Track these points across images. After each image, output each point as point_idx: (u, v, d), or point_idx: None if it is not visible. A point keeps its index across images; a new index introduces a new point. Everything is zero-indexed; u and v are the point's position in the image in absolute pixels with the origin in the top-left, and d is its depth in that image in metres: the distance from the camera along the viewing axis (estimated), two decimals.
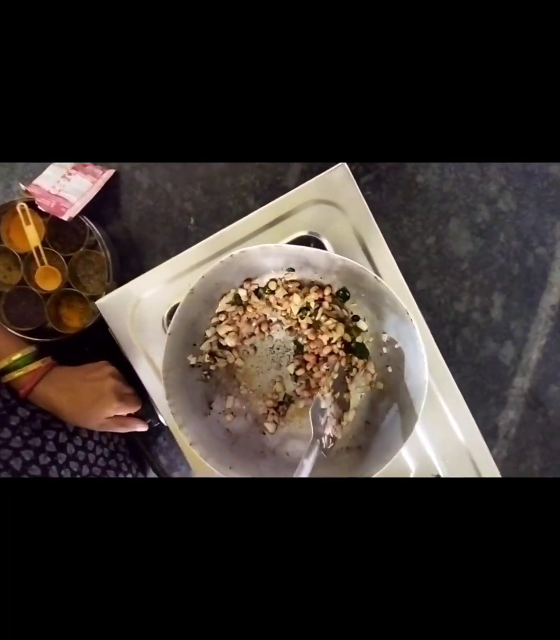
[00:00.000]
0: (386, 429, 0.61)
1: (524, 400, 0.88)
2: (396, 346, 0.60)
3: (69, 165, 0.79)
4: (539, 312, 0.86)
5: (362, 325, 0.63)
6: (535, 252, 0.85)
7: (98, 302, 0.64)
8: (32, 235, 0.75)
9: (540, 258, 0.85)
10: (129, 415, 0.66)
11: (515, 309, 0.86)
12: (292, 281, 0.62)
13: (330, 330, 0.63)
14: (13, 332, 0.75)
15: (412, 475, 0.67)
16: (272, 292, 0.62)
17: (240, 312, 0.63)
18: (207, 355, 0.63)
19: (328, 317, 0.63)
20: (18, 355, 0.61)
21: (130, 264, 0.84)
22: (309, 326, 0.64)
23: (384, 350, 0.63)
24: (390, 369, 0.62)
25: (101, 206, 0.81)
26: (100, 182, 0.79)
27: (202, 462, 0.58)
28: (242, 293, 0.62)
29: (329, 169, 0.63)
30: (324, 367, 0.64)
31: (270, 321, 0.65)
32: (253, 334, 0.65)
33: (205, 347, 0.63)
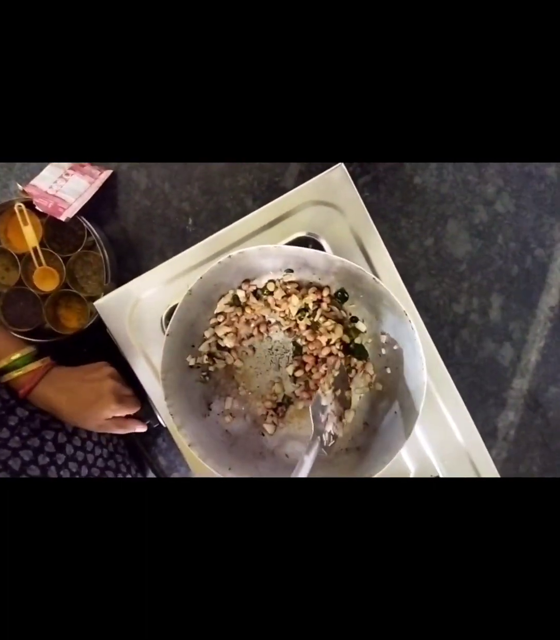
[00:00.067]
0: (385, 430, 0.61)
1: (523, 401, 0.88)
2: (395, 347, 0.60)
3: (66, 165, 0.79)
4: (537, 313, 0.86)
5: (360, 326, 0.63)
6: (533, 253, 0.85)
7: (96, 303, 0.64)
8: (29, 236, 0.75)
9: (538, 259, 0.85)
10: (128, 416, 0.66)
11: (513, 310, 0.86)
12: (290, 282, 0.62)
13: (328, 332, 0.63)
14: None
15: (411, 476, 0.67)
16: (271, 293, 0.62)
17: (239, 313, 0.63)
18: (205, 356, 0.63)
19: (327, 318, 0.63)
20: (17, 355, 0.61)
21: (127, 264, 0.84)
22: (308, 327, 0.64)
23: (383, 351, 0.63)
24: (389, 370, 0.62)
25: (99, 207, 0.81)
26: (98, 183, 0.79)
27: (201, 463, 0.58)
28: (241, 294, 0.62)
29: (327, 170, 0.63)
30: (322, 368, 0.64)
31: (269, 322, 0.65)
32: (252, 335, 0.65)
33: (203, 348, 0.63)
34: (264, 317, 0.65)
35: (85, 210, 0.76)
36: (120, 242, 0.84)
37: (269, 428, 0.65)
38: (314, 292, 0.62)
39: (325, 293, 0.62)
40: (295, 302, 0.62)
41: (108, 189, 0.82)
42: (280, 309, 0.63)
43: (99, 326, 0.66)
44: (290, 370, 0.66)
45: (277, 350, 0.66)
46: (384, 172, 0.84)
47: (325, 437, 0.57)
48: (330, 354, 0.64)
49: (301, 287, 0.63)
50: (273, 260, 0.59)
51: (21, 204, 0.74)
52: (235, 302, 0.63)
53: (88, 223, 0.75)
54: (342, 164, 0.63)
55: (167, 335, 0.56)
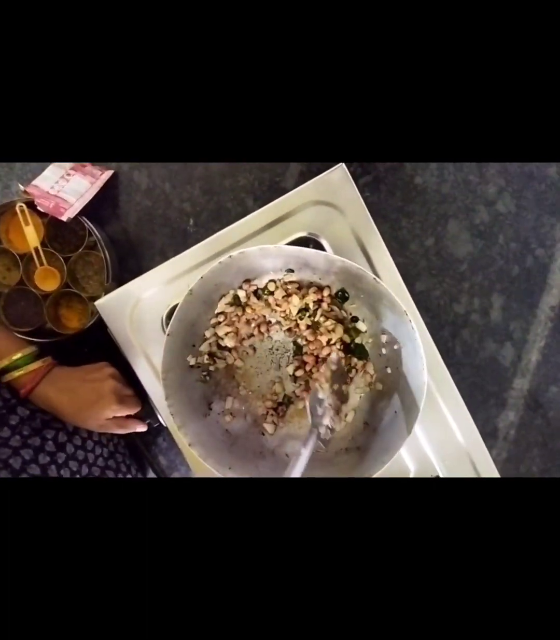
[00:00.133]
0: (385, 430, 0.61)
1: (524, 401, 0.88)
2: (395, 347, 0.60)
3: (67, 165, 0.79)
4: (538, 313, 0.86)
5: (361, 326, 0.63)
6: (534, 253, 0.85)
7: (97, 303, 0.64)
8: (31, 236, 0.75)
9: (539, 260, 0.85)
10: (129, 416, 0.66)
11: (514, 310, 0.86)
12: (291, 282, 0.62)
13: (329, 331, 0.63)
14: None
15: (411, 476, 0.67)
16: (271, 293, 0.62)
17: (240, 313, 0.63)
18: (206, 356, 0.63)
19: (327, 318, 0.63)
20: (19, 355, 0.61)
21: (128, 264, 0.84)
22: (308, 327, 0.64)
23: (383, 351, 0.63)
24: (389, 370, 0.62)
25: (100, 207, 0.81)
26: (99, 183, 0.79)
27: (201, 462, 0.58)
28: (241, 294, 0.62)
29: (328, 171, 0.63)
30: (323, 368, 0.64)
31: (270, 322, 0.65)
32: (252, 335, 0.65)
33: (204, 347, 0.63)
34: (264, 317, 0.65)
35: (86, 211, 0.76)
36: (121, 242, 0.84)
37: (269, 428, 0.65)
38: (314, 292, 0.62)
39: (325, 293, 0.62)
40: (295, 302, 0.62)
41: (109, 189, 0.82)
42: (280, 309, 0.63)
43: (100, 326, 0.66)
44: (290, 370, 0.66)
45: (277, 350, 0.66)
46: (384, 172, 0.84)
47: (322, 430, 0.57)
48: (331, 353, 0.64)
49: (302, 287, 0.63)
50: (274, 260, 0.59)
51: (23, 204, 0.74)
52: (235, 302, 0.63)
53: (89, 223, 0.76)
54: (343, 164, 0.63)
55: (168, 335, 0.56)
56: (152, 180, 0.83)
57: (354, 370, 0.65)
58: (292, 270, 0.61)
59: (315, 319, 0.63)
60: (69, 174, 0.78)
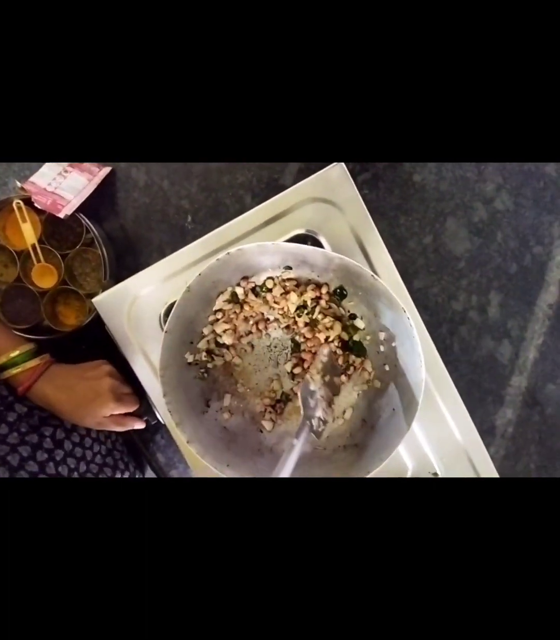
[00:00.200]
0: (383, 427, 0.61)
1: (521, 398, 0.88)
2: (393, 344, 0.60)
3: (65, 162, 0.79)
4: (536, 311, 0.86)
5: (359, 323, 0.63)
6: (532, 251, 0.85)
7: (95, 300, 0.64)
8: (28, 233, 0.75)
9: (537, 257, 0.85)
10: (127, 413, 0.66)
11: (512, 307, 0.86)
12: (289, 279, 0.62)
13: (327, 329, 0.63)
14: None
15: (409, 474, 0.67)
16: (269, 290, 0.62)
17: (238, 310, 0.63)
18: (204, 353, 0.63)
19: (325, 316, 0.63)
20: (16, 352, 0.61)
21: (126, 261, 0.84)
22: (306, 324, 0.64)
23: (381, 348, 0.63)
24: (387, 367, 0.62)
25: (97, 204, 0.81)
26: (97, 180, 0.79)
27: (199, 459, 0.58)
28: (239, 291, 0.62)
29: (326, 168, 0.63)
30: (314, 360, 0.64)
31: (268, 319, 0.65)
32: (250, 332, 0.65)
33: (202, 345, 0.63)
34: (262, 314, 0.65)
35: (84, 208, 0.75)
36: (119, 240, 0.84)
37: (267, 425, 0.65)
38: (312, 290, 0.62)
39: (324, 290, 0.62)
40: (293, 299, 0.62)
41: (107, 186, 0.82)
42: (278, 306, 0.63)
43: (98, 323, 0.66)
44: (288, 367, 0.66)
45: (275, 347, 0.66)
46: (383, 169, 0.84)
47: (314, 422, 0.57)
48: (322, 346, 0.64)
49: (300, 284, 0.63)
50: (271, 257, 0.59)
51: (20, 201, 0.74)
52: (233, 299, 0.63)
53: (87, 220, 0.75)
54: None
55: (166, 332, 0.56)
56: (150, 177, 0.83)
57: (352, 368, 0.65)
58: (290, 268, 0.61)
59: (314, 317, 0.63)
60: (66, 171, 0.78)
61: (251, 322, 0.64)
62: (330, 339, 0.63)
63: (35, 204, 0.73)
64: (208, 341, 0.63)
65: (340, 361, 0.64)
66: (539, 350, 0.87)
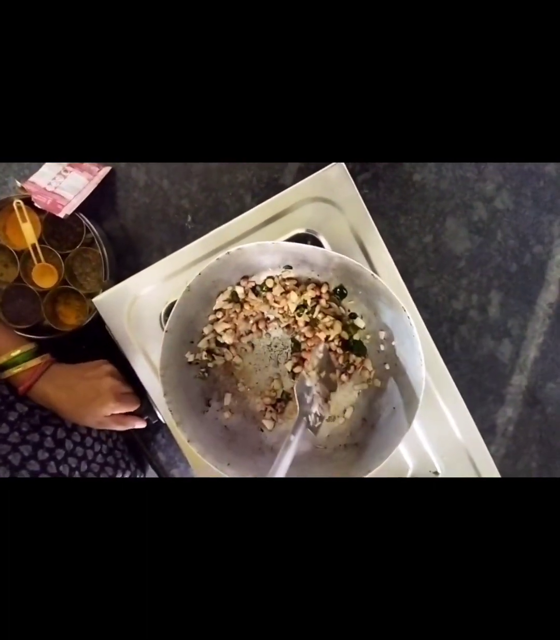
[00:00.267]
0: (383, 426, 0.61)
1: (522, 397, 0.88)
2: (393, 343, 0.60)
3: (65, 162, 0.79)
4: (536, 310, 0.86)
5: (359, 322, 0.63)
6: (532, 250, 0.85)
7: (95, 300, 0.64)
8: (28, 233, 0.75)
9: (537, 256, 0.85)
10: (127, 412, 0.66)
11: (512, 306, 0.86)
12: (289, 279, 0.62)
13: (327, 328, 0.63)
14: None
15: (410, 473, 0.67)
16: (269, 290, 0.62)
17: (238, 310, 0.63)
18: (204, 353, 0.63)
19: (325, 315, 0.63)
20: (17, 352, 0.61)
21: (126, 261, 0.84)
22: (307, 324, 0.64)
23: (382, 347, 0.63)
24: (387, 367, 0.62)
25: (97, 203, 0.81)
26: (97, 180, 0.79)
27: (200, 459, 0.58)
28: (239, 290, 0.62)
29: (326, 167, 0.63)
30: (310, 356, 0.64)
31: (268, 319, 0.65)
32: (250, 332, 0.65)
33: (202, 344, 0.63)
34: (262, 313, 0.65)
35: (84, 207, 0.76)
36: (119, 239, 0.84)
37: (267, 424, 0.65)
38: (312, 289, 0.62)
39: (324, 289, 0.62)
40: (294, 298, 0.62)
41: (107, 186, 0.82)
42: (279, 306, 0.63)
43: (98, 323, 0.66)
44: (289, 366, 0.66)
45: (276, 346, 0.66)
46: (383, 169, 0.84)
47: (311, 418, 0.57)
48: (329, 350, 0.64)
49: (300, 284, 0.63)
50: (271, 257, 0.59)
51: (20, 201, 0.74)
52: (234, 298, 0.63)
53: (87, 220, 0.75)
54: None
55: (166, 331, 0.56)
56: (150, 176, 0.83)
57: (352, 367, 0.65)
58: (290, 267, 0.61)
59: (314, 316, 0.63)
60: (66, 171, 0.78)
61: (251, 322, 0.65)
62: (330, 338, 0.63)
63: (36, 204, 0.73)
64: (208, 340, 0.63)
65: (340, 360, 0.64)
66: (540, 349, 0.87)
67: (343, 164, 0.63)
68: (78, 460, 0.63)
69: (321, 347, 0.62)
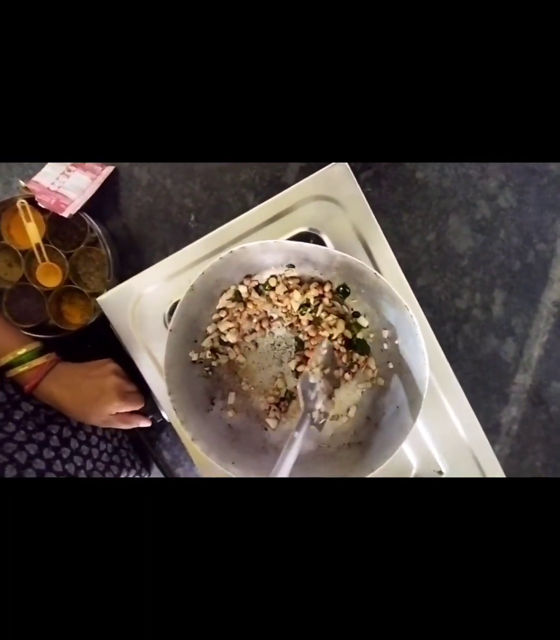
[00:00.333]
0: (387, 425, 0.61)
1: (526, 396, 0.88)
2: (396, 342, 0.60)
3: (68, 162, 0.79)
4: (540, 308, 0.86)
5: (362, 321, 0.63)
6: (535, 248, 0.85)
7: (99, 299, 0.64)
8: (32, 232, 0.75)
9: (540, 254, 0.85)
10: (132, 411, 0.66)
11: (516, 305, 0.86)
12: (292, 277, 0.62)
13: (330, 327, 0.63)
14: None
15: (414, 472, 0.67)
16: (273, 289, 0.62)
17: (241, 309, 0.63)
18: (208, 352, 0.63)
19: (328, 314, 0.63)
20: (23, 351, 0.62)
21: (129, 260, 0.84)
22: (310, 322, 0.64)
23: (385, 346, 0.63)
24: (391, 365, 0.62)
25: (101, 203, 0.81)
26: (100, 179, 0.79)
27: (204, 458, 0.58)
28: (243, 289, 0.62)
29: (328, 166, 0.63)
30: (313, 353, 0.64)
31: (271, 318, 0.65)
32: (254, 331, 0.65)
33: (206, 343, 0.63)
34: (265, 312, 0.65)
35: (87, 207, 0.76)
36: (122, 239, 0.84)
37: (271, 423, 0.65)
38: (315, 288, 0.62)
39: (327, 288, 0.62)
40: (297, 297, 0.62)
41: (110, 185, 0.82)
42: (282, 305, 0.63)
43: (103, 322, 0.66)
44: (292, 365, 0.66)
45: (279, 345, 0.66)
46: (385, 167, 0.83)
47: (315, 414, 0.58)
48: (332, 348, 0.64)
49: (303, 283, 0.63)
50: (274, 256, 0.59)
51: (24, 201, 0.74)
52: (237, 297, 0.63)
53: (90, 219, 0.76)
54: None
55: (170, 330, 0.56)
56: (153, 176, 0.83)
57: (355, 366, 0.65)
58: (293, 266, 0.61)
59: (317, 315, 0.63)
60: (69, 170, 0.78)
61: (255, 321, 0.65)
62: (333, 337, 0.63)
63: (39, 204, 0.73)
64: (212, 339, 0.63)
65: (343, 359, 0.64)
66: (544, 347, 0.87)
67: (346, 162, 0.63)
68: (83, 459, 0.64)
69: (325, 343, 0.62)
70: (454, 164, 0.84)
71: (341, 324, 0.63)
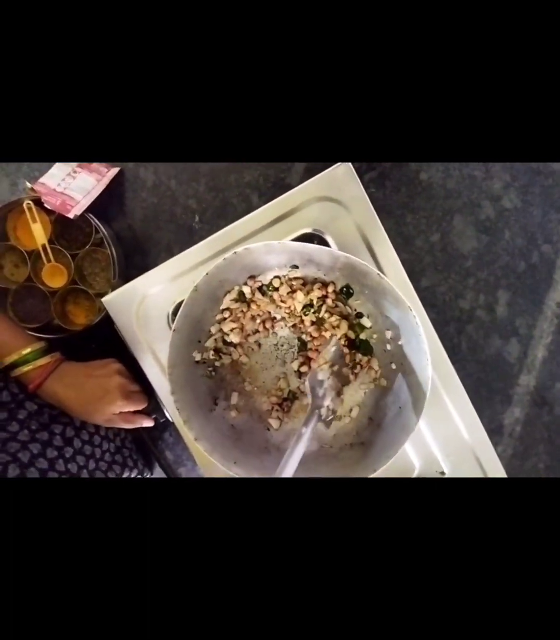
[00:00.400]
0: (389, 425, 0.61)
1: (530, 398, 0.88)
2: (400, 343, 0.60)
3: (74, 163, 0.79)
4: (544, 309, 0.86)
5: (365, 322, 0.63)
6: (540, 249, 0.85)
7: (104, 299, 0.65)
8: (38, 233, 0.76)
9: (545, 255, 0.85)
10: (135, 411, 0.67)
11: (520, 306, 0.86)
12: (295, 278, 0.62)
13: (333, 327, 0.63)
14: None
15: (416, 472, 0.67)
16: (276, 289, 0.63)
17: (245, 309, 0.64)
18: (211, 352, 0.64)
19: (332, 314, 0.63)
20: (28, 350, 0.62)
21: (134, 261, 0.85)
22: (313, 323, 0.64)
23: (388, 347, 0.63)
24: (393, 366, 0.62)
25: (106, 204, 0.82)
26: (105, 180, 0.80)
27: (207, 457, 0.58)
28: (246, 290, 0.62)
29: (333, 166, 0.63)
30: (322, 350, 0.64)
31: (274, 318, 0.65)
32: (257, 331, 0.66)
33: (209, 343, 0.63)
34: (269, 313, 0.65)
35: (93, 208, 0.76)
36: (127, 239, 0.84)
37: (274, 423, 0.66)
38: (319, 288, 0.62)
39: (330, 289, 0.62)
40: (300, 298, 0.62)
41: (115, 186, 0.82)
42: (285, 305, 0.63)
43: (107, 322, 0.67)
44: (295, 365, 0.66)
45: (282, 346, 0.67)
46: (389, 168, 0.83)
47: (323, 411, 0.58)
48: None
49: (306, 283, 0.63)
50: (278, 257, 0.60)
51: (30, 202, 0.75)
52: (240, 298, 0.63)
53: (96, 220, 0.76)
54: None
55: (174, 331, 0.57)
56: (158, 177, 0.84)
57: (358, 366, 0.65)
58: (296, 267, 0.62)
59: (320, 315, 0.63)
60: (75, 172, 0.79)
61: (258, 321, 0.65)
62: (337, 338, 0.63)
63: (45, 205, 0.74)
64: (215, 340, 0.64)
65: (347, 360, 0.64)
66: (548, 349, 0.87)
67: (349, 163, 0.63)
68: (86, 458, 0.64)
69: (334, 340, 0.62)
70: (459, 165, 0.84)
71: (344, 325, 0.63)
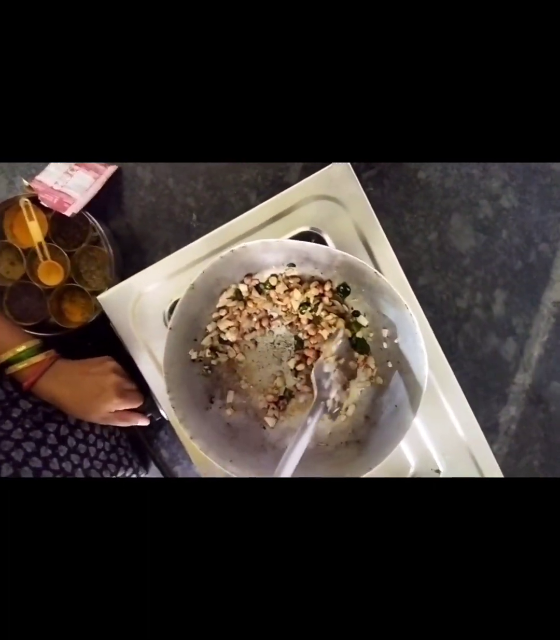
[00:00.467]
0: (386, 423, 0.61)
1: (525, 396, 0.88)
2: (396, 341, 0.60)
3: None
4: (540, 308, 0.86)
5: (362, 320, 0.63)
6: (537, 248, 0.85)
7: (100, 297, 0.65)
8: (35, 231, 0.76)
9: (542, 254, 0.85)
10: (131, 409, 0.67)
11: (517, 305, 0.86)
12: (292, 276, 0.62)
13: (330, 326, 0.63)
14: None
15: (412, 471, 0.67)
16: (273, 288, 0.63)
17: (241, 308, 0.64)
18: (208, 350, 0.64)
19: (328, 313, 0.63)
20: (22, 348, 0.62)
21: (132, 260, 0.84)
22: (310, 321, 0.64)
23: (384, 345, 0.63)
24: (390, 364, 0.62)
25: (104, 202, 0.82)
26: (103, 178, 0.79)
27: (203, 456, 0.58)
28: (243, 288, 0.62)
29: (331, 165, 0.63)
30: (329, 343, 0.64)
31: (271, 316, 0.65)
32: (254, 329, 0.65)
33: (206, 341, 0.63)
34: (266, 311, 0.65)
35: (90, 206, 0.76)
36: (125, 238, 0.84)
37: (270, 421, 0.66)
38: (316, 287, 0.62)
39: (327, 287, 0.62)
40: (297, 296, 0.62)
41: (113, 184, 0.82)
42: (282, 304, 0.63)
43: (103, 320, 0.67)
44: (291, 364, 0.66)
45: (279, 344, 0.67)
46: (387, 166, 0.83)
47: (329, 403, 0.58)
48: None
49: (303, 282, 0.63)
50: (275, 255, 0.60)
51: (27, 200, 0.74)
52: (237, 296, 0.63)
53: (93, 218, 0.76)
54: None
55: (170, 329, 0.57)
56: (156, 175, 0.83)
57: (355, 365, 0.65)
58: (293, 265, 0.62)
59: (317, 314, 0.63)
60: (72, 170, 0.78)
61: (255, 319, 0.65)
62: (343, 331, 0.63)
63: (42, 203, 0.74)
64: (212, 338, 0.64)
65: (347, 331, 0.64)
66: (544, 347, 0.87)
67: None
68: (81, 457, 0.64)
69: (341, 333, 0.62)
70: (457, 164, 0.84)
71: (341, 323, 0.63)
